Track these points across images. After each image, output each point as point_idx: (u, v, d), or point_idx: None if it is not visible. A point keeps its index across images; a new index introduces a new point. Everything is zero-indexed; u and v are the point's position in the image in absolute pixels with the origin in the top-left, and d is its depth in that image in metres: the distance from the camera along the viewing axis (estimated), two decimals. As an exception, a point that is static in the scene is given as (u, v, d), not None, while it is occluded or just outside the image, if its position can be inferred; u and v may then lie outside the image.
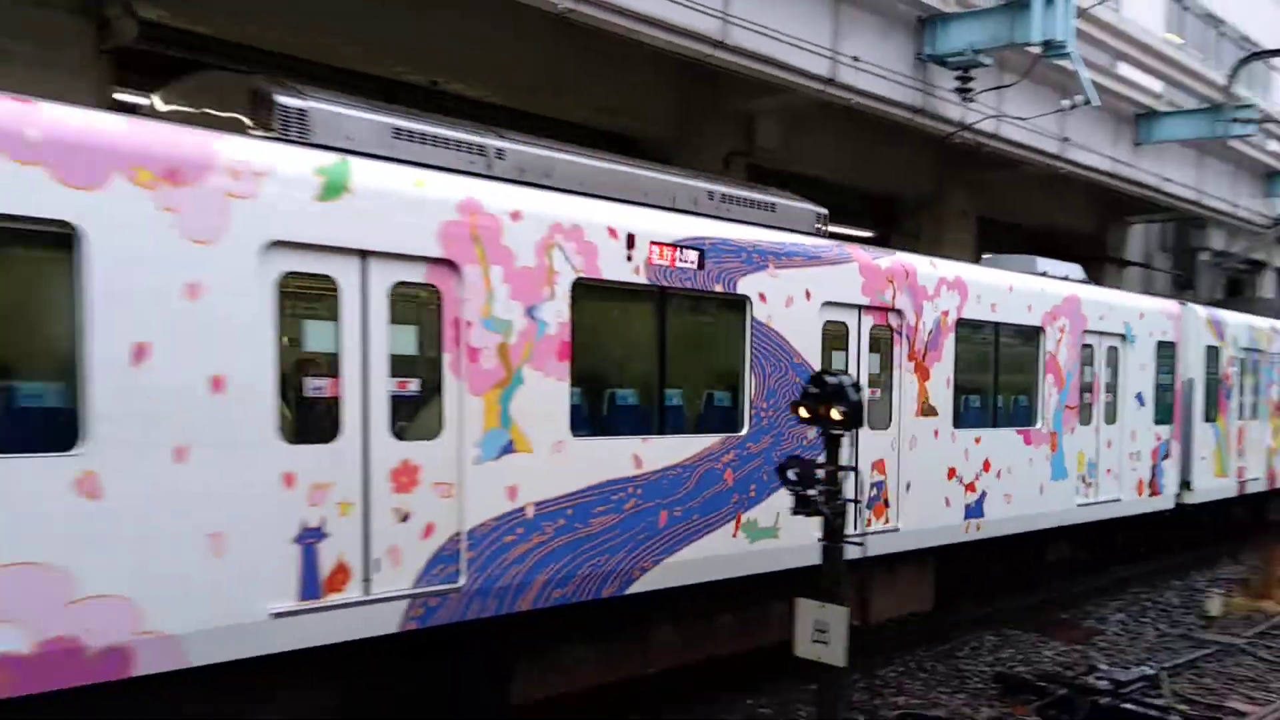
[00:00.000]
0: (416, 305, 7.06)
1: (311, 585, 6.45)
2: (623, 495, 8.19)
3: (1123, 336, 14.15)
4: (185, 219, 5.85)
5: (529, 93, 13.36)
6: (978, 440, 11.72)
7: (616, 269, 8.09)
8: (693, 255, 8.63)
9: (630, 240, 8.16)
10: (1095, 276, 25.18)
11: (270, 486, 6.24)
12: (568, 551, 7.82)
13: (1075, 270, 14.22)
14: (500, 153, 7.76)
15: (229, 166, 6.04)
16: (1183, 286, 27.81)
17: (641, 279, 8.25)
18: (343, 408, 6.60)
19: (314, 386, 6.58)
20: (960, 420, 11.49)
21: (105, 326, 5.59)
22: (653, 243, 8.31)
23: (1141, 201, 22.14)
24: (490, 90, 13.07)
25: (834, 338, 10.07)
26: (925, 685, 10.68)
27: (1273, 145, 24.15)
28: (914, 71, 14.42)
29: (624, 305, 8.64)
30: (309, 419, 6.54)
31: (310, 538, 6.44)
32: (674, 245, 8.47)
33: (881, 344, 10.60)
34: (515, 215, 7.39)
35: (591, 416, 8.20)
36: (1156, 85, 19.92)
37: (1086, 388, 13.59)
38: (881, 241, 21.56)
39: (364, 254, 6.66)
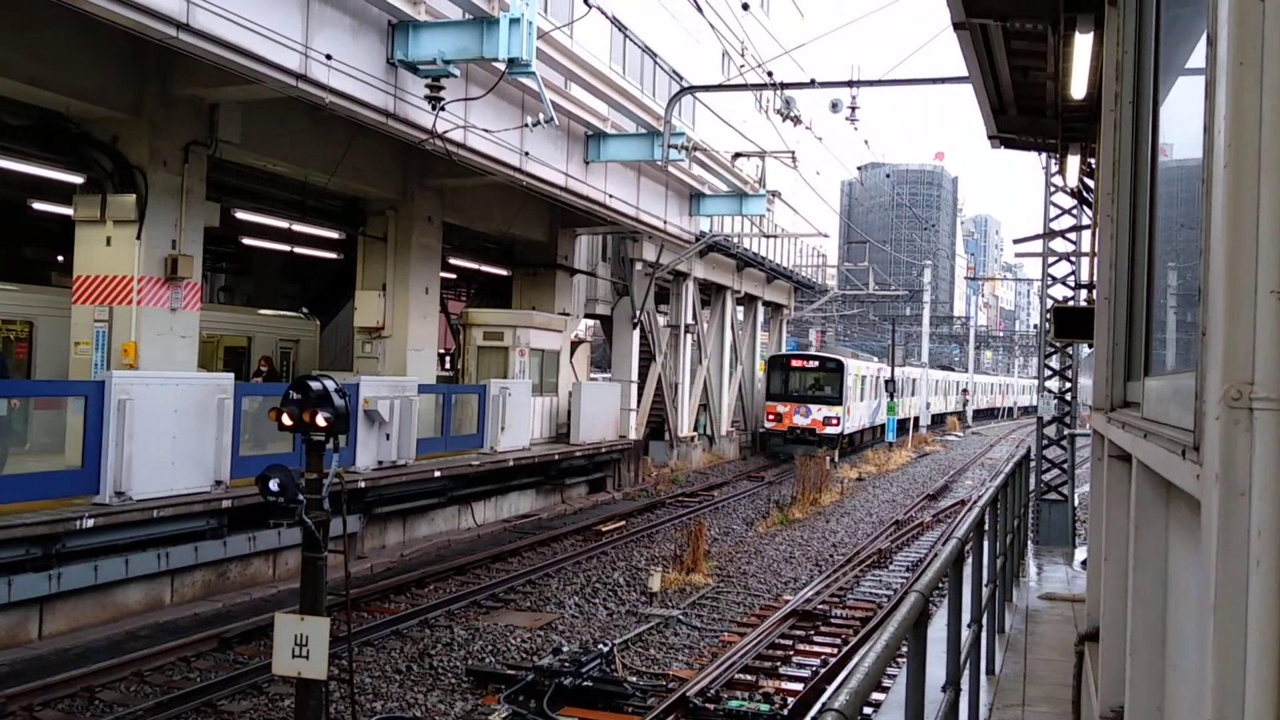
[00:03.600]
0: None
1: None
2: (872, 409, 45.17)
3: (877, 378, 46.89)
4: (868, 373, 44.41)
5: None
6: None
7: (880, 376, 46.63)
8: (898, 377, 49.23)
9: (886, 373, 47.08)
10: (547, 281, 26.76)
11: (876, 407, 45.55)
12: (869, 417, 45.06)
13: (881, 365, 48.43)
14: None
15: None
16: (622, 293, 30.42)
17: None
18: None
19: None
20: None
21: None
22: (878, 372, 46.67)
23: (589, 215, 23.66)
24: None
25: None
26: (401, 687, 10.78)
27: (697, 170, 27.08)
28: (386, 75, 14.36)
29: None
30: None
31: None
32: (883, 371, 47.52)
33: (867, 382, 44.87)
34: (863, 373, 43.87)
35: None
36: (603, 108, 21.49)
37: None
38: (349, 243, 21.32)
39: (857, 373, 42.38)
